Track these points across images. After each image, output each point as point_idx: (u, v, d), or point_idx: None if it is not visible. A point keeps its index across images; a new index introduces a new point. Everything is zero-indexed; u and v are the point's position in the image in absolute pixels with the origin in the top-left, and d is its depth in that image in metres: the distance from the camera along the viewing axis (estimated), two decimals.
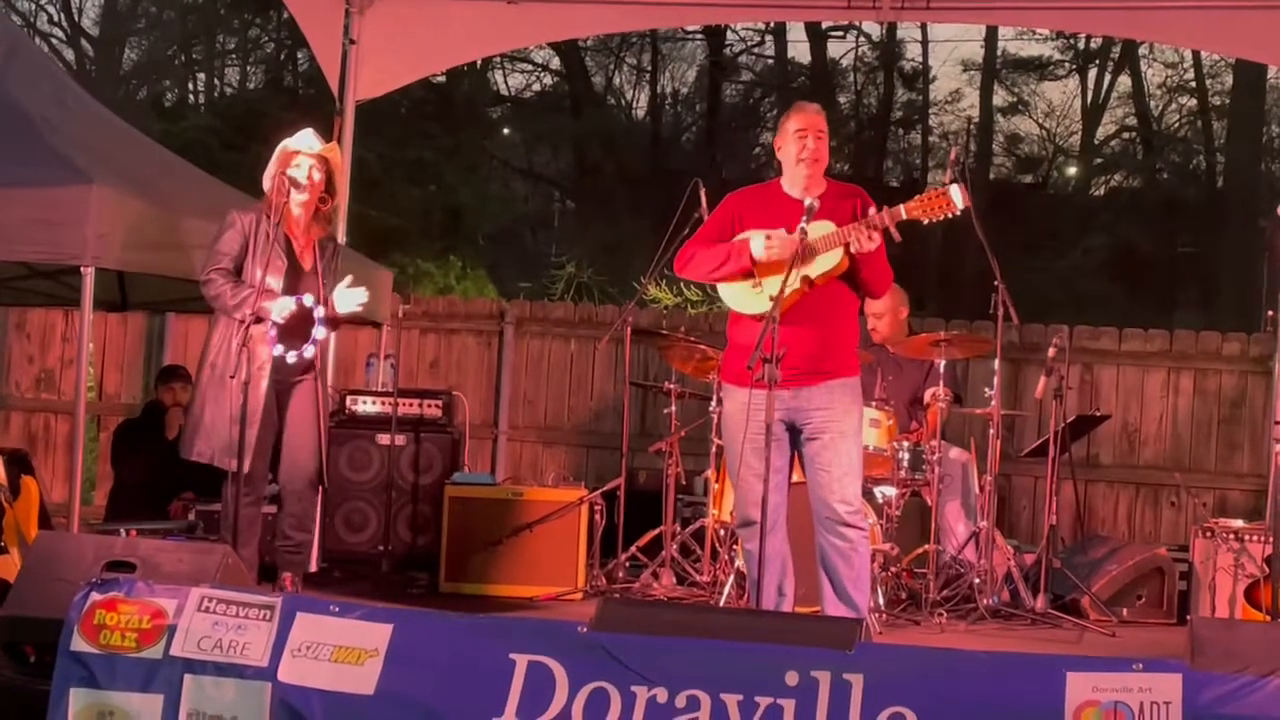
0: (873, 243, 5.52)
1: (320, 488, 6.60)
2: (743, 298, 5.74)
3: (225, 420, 6.13)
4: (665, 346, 7.94)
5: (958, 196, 5.50)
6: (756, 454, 5.44)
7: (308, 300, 6.24)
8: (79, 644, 4.45)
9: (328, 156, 6.41)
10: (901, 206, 5.57)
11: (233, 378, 5.92)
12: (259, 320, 6.12)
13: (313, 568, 7.31)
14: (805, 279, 5.51)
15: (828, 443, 5.66)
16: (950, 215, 5.54)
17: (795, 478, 5.88)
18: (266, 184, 6.37)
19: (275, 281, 6.22)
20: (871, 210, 5.59)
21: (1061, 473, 7.45)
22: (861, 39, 26.72)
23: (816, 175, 5.75)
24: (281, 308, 6.18)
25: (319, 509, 7.04)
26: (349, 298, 6.33)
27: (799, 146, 5.73)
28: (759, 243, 5.65)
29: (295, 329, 6.22)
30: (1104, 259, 25.22)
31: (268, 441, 6.33)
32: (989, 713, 4.01)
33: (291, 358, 6.24)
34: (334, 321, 6.43)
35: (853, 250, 5.54)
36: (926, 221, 5.58)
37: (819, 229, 5.54)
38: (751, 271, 5.68)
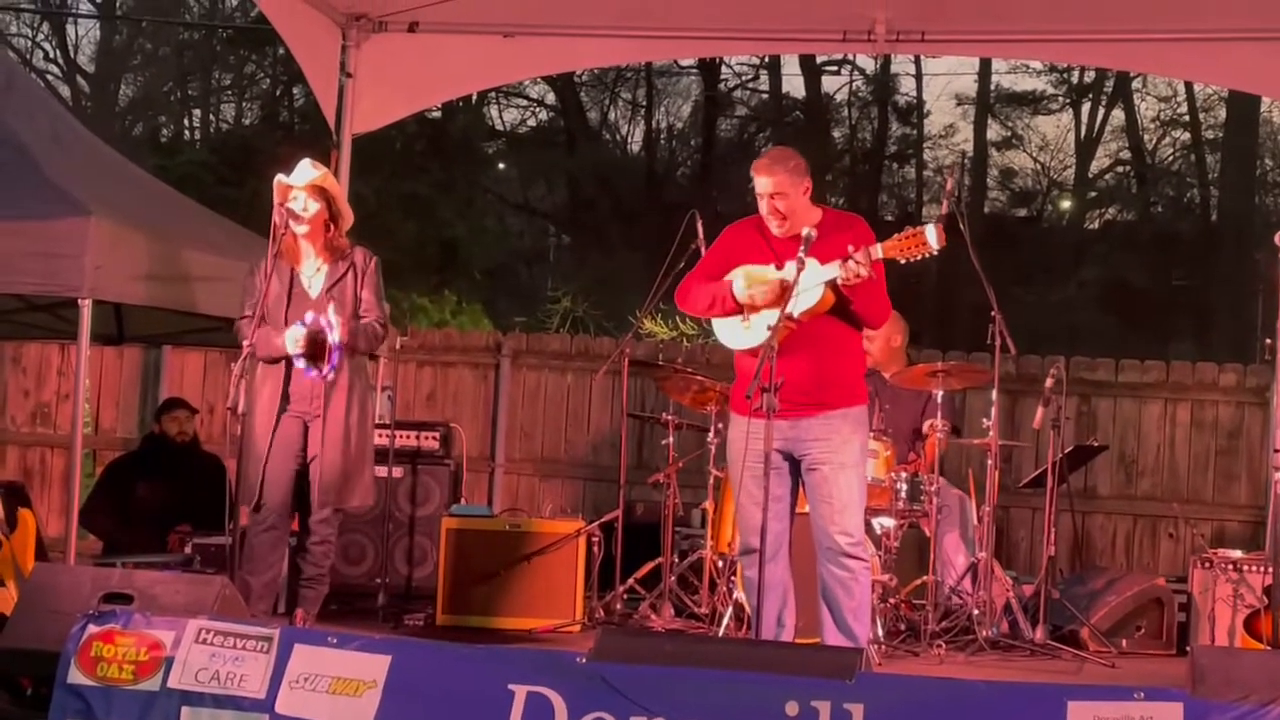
0: (857, 279, 5.50)
1: (340, 513, 6.53)
2: (733, 333, 5.78)
3: (248, 456, 6.26)
4: (662, 378, 7.93)
5: (933, 237, 5.48)
6: (756, 482, 5.45)
7: (308, 317, 6.25)
8: (76, 676, 4.44)
9: (321, 185, 6.37)
10: (878, 245, 5.57)
11: (229, 408, 5.93)
12: (276, 360, 6.23)
13: None
14: (789, 316, 5.51)
15: (828, 474, 5.65)
16: (927, 255, 5.52)
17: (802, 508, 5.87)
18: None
19: (279, 314, 6.26)
20: (851, 248, 5.54)
21: (1059, 504, 7.44)
22: (856, 73, 26.89)
23: (785, 229, 5.71)
24: (294, 338, 6.21)
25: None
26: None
27: (761, 207, 5.77)
28: (739, 284, 5.67)
29: (318, 351, 6.26)
30: (1099, 292, 25.33)
31: (285, 474, 6.34)
32: None
33: (330, 374, 6.27)
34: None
35: (839, 283, 5.54)
36: (904, 260, 5.57)
37: (810, 265, 5.54)
38: (741, 309, 5.71)
